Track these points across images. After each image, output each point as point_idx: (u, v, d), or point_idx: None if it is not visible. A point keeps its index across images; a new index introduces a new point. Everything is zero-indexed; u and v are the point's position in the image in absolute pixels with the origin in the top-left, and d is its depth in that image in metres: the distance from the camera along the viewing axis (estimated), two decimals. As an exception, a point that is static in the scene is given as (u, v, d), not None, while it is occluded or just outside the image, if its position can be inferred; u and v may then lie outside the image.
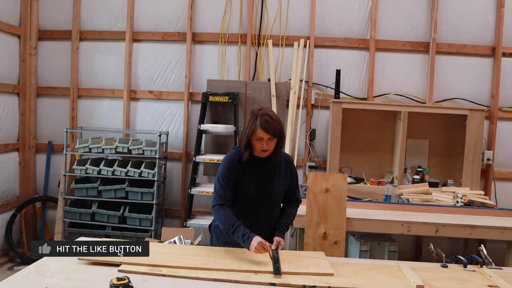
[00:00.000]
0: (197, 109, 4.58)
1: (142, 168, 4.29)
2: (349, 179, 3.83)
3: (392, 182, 4.14)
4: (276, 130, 2.31)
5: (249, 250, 2.18)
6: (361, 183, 4.10)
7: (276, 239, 2.34)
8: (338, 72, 4.38)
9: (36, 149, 5.03)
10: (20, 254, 4.71)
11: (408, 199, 3.71)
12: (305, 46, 4.49)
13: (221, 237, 2.50)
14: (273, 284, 1.95)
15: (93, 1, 4.88)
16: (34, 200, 4.91)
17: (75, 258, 2.14)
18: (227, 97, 4.28)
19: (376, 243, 3.50)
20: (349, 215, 3.31)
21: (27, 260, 4.60)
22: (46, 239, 4.93)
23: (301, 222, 3.30)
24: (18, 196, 4.91)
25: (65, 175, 4.52)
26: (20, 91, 4.86)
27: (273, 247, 2.26)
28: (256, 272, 2.06)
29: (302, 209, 3.39)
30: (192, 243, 3.33)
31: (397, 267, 2.23)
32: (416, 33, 4.53)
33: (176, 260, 2.16)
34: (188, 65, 4.70)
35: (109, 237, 4.12)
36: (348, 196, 3.44)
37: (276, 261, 2.12)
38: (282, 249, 2.34)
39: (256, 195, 2.40)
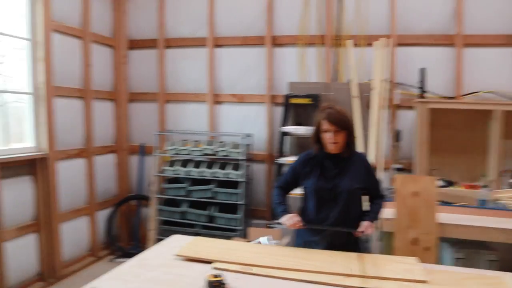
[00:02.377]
0: (279, 111, 4.66)
1: (228, 170, 4.45)
2: (439, 182, 3.71)
3: (487, 186, 3.95)
4: (342, 122, 2.39)
5: (281, 223, 2.46)
6: (453, 187, 3.95)
7: (364, 223, 2.42)
8: (422, 71, 4.25)
9: (130, 151, 5.42)
10: (119, 248, 5.09)
11: (505, 205, 3.53)
12: (386, 45, 4.40)
13: (299, 235, 2.59)
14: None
15: (177, 10, 5.12)
16: (130, 199, 5.28)
17: (172, 254, 2.30)
18: (308, 99, 4.31)
19: (472, 251, 3.29)
20: (440, 220, 3.20)
21: (126, 253, 4.98)
22: (141, 235, 5.29)
23: (390, 226, 3.26)
24: (116, 194, 5.32)
25: (156, 176, 4.81)
26: (114, 97, 5.24)
27: (362, 229, 2.39)
28: (346, 275, 2.05)
29: (390, 213, 3.37)
30: (279, 244, 3.42)
31: (499, 278, 2.10)
32: (509, 25, 4.26)
33: (265, 260, 2.23)
34: (268, 68, 4.79)
35: (199, 235, 4.32)
36: (439, 200, 3.35)
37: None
38: (370, 234, 2.48)
39: (329, 190, 2.44)
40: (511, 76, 4.28)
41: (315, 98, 4.28)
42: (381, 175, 4.29)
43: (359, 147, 4.22)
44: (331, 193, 2.45)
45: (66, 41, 4.43)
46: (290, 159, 4.34)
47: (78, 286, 4.04)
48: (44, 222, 4.10)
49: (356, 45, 4.52)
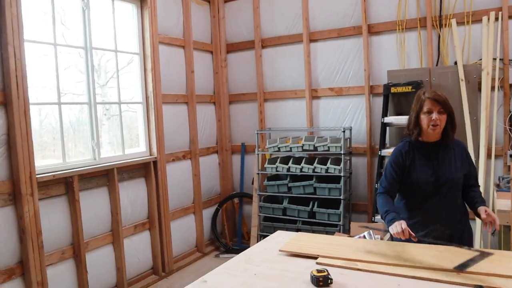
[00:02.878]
0: (379, 102, 4.49)
1: (328, 164, 4.40)
2: None
3: None
4: (445, 103, 2.26)
5: (389, 232, 2.19)
6: None
7: (482, 209, 2.24)
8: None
9: (231, 151, 5.64)
10: (223, 244, 5.31)
11: None
12: (496, 19, 3.98)
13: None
14: (480, 287, 1.76)
15: (271, 11, 5.21)
16: (233, 197, 5.49)
17: (276, 249, 2.33)
18: (410, 87, 4.09)
19: None
20: None
21: (230, 249, 5.18)
22: (244, 231, 5.47)
23: (506, 219, 2.95)
24: (219, 193, 5.57)
25: (258, 173, 4.93)
26: (215, 100, 5.49)
27: (484, 215, 2.20)
28: (458, 271, 1.88)
29: (506, 204, 3.05)
30: (382, 239, 3.28)
31: None
32: None
33: (370, 255, 2.16)
34: (366, 58, 4.64)
35: (300, 231, 4.34)
36: None
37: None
38: (495, 220, 2.20)
39: (433, 182, 2.30)
40: None
41: (417, 85, 4.04)
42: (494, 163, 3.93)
43: (468, 135, 3.90)
44: (435, 185, 2.31)
45: (170, 52, 4.75)
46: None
47: (186, 280, 4.34)
48: (156, 221, 4.43)
49: (461, 23, 4.18)
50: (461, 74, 4.02)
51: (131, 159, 4.21)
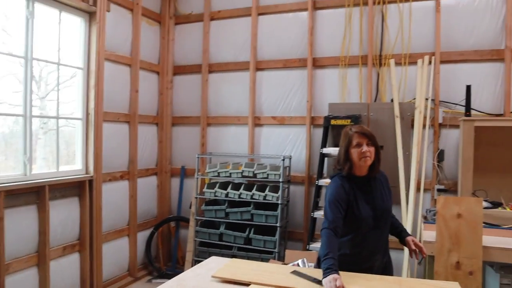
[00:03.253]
0: (319, 132, 4.66)
1: (266, 192, 4.46)
2: (484, 204, 3.53)
3: (536, 207, 3.71)
4: (371, 136, 2.38)
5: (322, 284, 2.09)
6: (500, 208, 3.75)
7: (410, 238, 2.42)
8: (468, 88, 4.08)
9: (171, 173, 5.58)
10: (157, 268, 5.17)
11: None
12: (430, 62, 4.29)
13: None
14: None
15: (220, 36, 5.30)
16: (169, 220, 5.39)
17: (209, 275, 2.32)
18: (349, 120, 4.26)
19: (520, 277, 3.12)
20: (486, 243, 3.05)
21: (163, 274, 5.06)
22: (179, 256, 5.36)
23: (431, 249, 3.13)
24: (156, 216, 5.45)
25: (196, 198, 4.89)
26: (158, 121, 5.44)
27: (412, 247, 2.38)
28: None
29: (431, 235, 3.24)
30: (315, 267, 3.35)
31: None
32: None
33: (302, 283, 2.19)
34: (309, 89, 4.81)
35: (235, 257, 4.33)
36: (484, 222, 3.19)
37: None
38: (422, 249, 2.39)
39: (373, 215, 2.37)
40: None
41: (355, 118, 4.24)
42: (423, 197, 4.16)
43: (400, 168, 4.12)
44: (375, 218, 2.38)
45: (116, 69, 4.68)
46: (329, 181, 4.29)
47: (116, 305, 4.15)
48: (87, 242, 4.24)
49: (398, 63, 4.48)
50: (397, 111, 4.26)
51: (65, 176, 4.04)
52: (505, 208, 3.74)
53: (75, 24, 4.24)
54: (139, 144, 5.03)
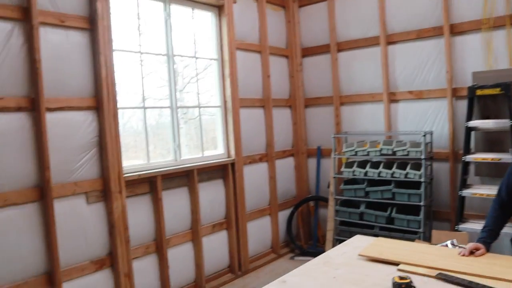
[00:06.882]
0: (462, 105, 4.27)
1: (408, 169, 4.26)
2: None
3: None
4: None
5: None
6: None
7: None
8: None
9: (307, 154, 5.65)
10: (298, 246, 5.32)
11: None
12: None
13: None
14: None
15: (346, 14, 5.15)
16: (308, 200, 5.48)
17: (356, 254, 2.31)
18: (498, 89, 3.82)
19: None
20: None
21: (305, 252, 5.18)
22: (319, 234, 5.44)
23: None
24: (295, 196, 5.59)
25: (334, 177, 4.88)
26: (291, 104, 5.54)
27: None
28: None
29: None
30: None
31: None
32: None
33: (455, 265, 2.06)
34: (448, 59, 4.42)
35: (377, 237, 4.24)
36: None
37: None
38: None
39: None
40: None
41: (507, 87, 3.78)
42: None
43: None
44: None
45: (247, 57, 4.88)
46: (479, 157, 3.93)
47: (262, 280, 4.42)
48: (233, 221, 4.56)
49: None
50: (558, 74, 3.70)
51: (210, 161, 4.38)
52: None
53: (206, 18, 4.53)
54: (274, 127, 5.19)
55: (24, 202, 2.93)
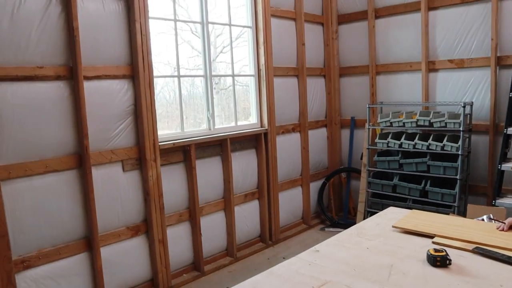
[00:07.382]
0: (507, 75, 4.08)
1: (444, 141, 4.14)
2: None
3: None
4: None
5: None
6: None
7: None
8: None
9: (340, 125, 5.57)
10: (329, 217, 5.32)
11: None
12: None
13: None
14: None
15: (385, -23, 4.95)
16: (340, 171, 5.45)
17: (389, 225, 2.29)
18: (546, 58, 3.64)
19: None
20: None
21: (336, 223, 5.18)
22: (350, 206, 5.42)
23: None
24: (327, 167, 5.56)
25: (368, 148, 4.81)
26: (325, 73, 5.43)
27: None
28: None
29: None
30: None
31: None
32: None
33: (493, 239, 2.01)
34: (494, 26, 4.19)
35: (410, 209, 4.19)
36: None
37: None
38: None
39: None
40: None
41: (556, 55, 3.58)
42: None
43: None
44: None
45: (281, 24, 4.78)
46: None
47: (292, 249, 4.47)
48: (265, 191, 4.59)
49: None
50: None
51: (243, 130, 4.38)
52: None
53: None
54: (308, 96, 5.12)
55: (64, 169, 3.03)
